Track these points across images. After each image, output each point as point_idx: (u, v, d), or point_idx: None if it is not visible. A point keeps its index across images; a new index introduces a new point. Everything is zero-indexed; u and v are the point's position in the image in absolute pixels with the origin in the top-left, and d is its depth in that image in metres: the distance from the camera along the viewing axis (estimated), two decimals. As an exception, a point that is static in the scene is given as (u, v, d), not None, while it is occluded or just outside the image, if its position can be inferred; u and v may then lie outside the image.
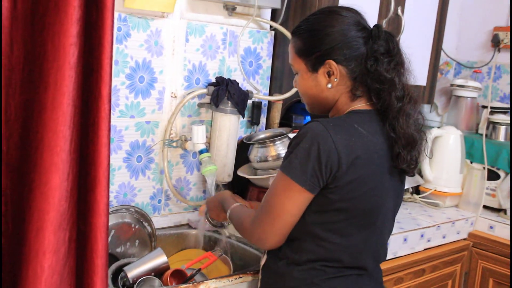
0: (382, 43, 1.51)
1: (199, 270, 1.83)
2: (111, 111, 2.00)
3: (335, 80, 1.53)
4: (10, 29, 1.22)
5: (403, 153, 1.50)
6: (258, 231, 1.52)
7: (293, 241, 1.53)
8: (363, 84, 1.53)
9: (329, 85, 1.54)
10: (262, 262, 1.65)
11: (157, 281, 1.82)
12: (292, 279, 1.52)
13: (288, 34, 2.31)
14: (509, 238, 2.63)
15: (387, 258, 2.28)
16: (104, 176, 1.28)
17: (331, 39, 1.51)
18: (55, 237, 1.24)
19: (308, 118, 2.53)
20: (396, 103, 1.50)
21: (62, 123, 1.20)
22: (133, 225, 2.02)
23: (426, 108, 3.22)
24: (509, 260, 2.61)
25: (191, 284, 1.67)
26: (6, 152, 1.26)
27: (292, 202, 1.45)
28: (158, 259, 1.84)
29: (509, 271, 2.60)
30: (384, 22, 2.48)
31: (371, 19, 2.42)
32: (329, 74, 1.53)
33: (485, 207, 2.82)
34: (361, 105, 1.55)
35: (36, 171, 1.23)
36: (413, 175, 1.67)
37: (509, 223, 2.67)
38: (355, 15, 1.56)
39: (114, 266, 1.85)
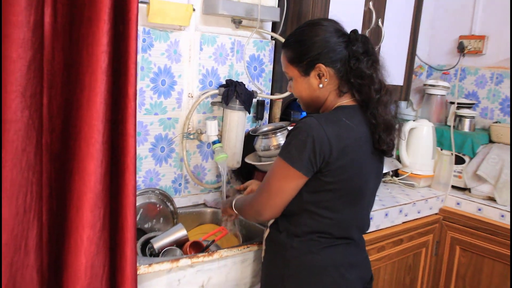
0: (360, 45, 1.51)
1: (213, 241, 1.84)
2: (138, 109, 2.02)
3: (325, 80, 1.52)
4: (52, 40, 1.22)
5: (383, 136, 1.52)
6: (257, 204, 1.55)
7: (292, 216, 1.54)
8: (347, 82, 1.53)
9: (321, 85, 1.53)
10: (265, 234, 1.66)
11: (178, 251, 1.82)
12: (292, 248, 1.53)
13: (286, 43, 2.30)
14: (474, 213, 2.63)
15: (372, 230, 2.32)
16: (132, 162, 1.28)
17: (318, 46, 1.51)
18: (92, 214, 1.24)
19: (304, 113, 2.52)
20: (375, 94, 1.51)
21: (96, 118, 1.20)
22: (158, 205, 2.02)
23: (403, 104, 3.22)
24: (473, 230, 2.61)
25: (206, 253, 1.67)
26: (50, 144, 1.26)
27: (289, 183, 1.47)
28: (179, 232, 1.84)
29: (474, 239, 2.61)
30: (367, 32, 2.46)
31: (356, 30, 2.43)
32: (320, 76, 1.53)
33: (453, 187, 2.81)
34: (346, 101, 1.55)
35: (75, 159, 1.23)
36: (392, 156, 1.68)
37: (473, 200, 2.66)
38: (334, 24, 1.56)
39: (142, 238, 1.85)
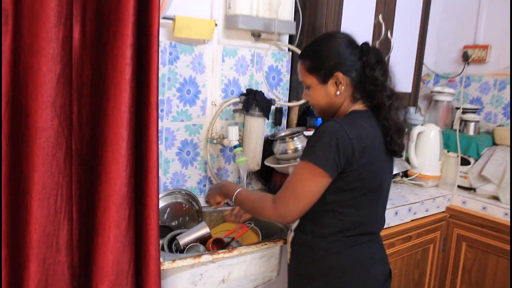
0: (372, 56, 1.48)
1: (233, 238, 1.79)
2: (166, 116, 1.99)
3: (342, 88, 1.48)
4: (81, 54, 1.20)
5: (394, 138, 1.48)
6: (282, 208, 1.43)
7: (316, 218, 1.48)
8: (360, 89, 1.50)
9: (338, 93, 1.49)
10: (290, 238, 1.59)
11: (201, 247, 1.78)
12: (319, 249, 1.48)
13: (302, 54, 2.25)
14: (479, 211, 2.54)
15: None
16: (154, 167, 1.24)
17: (335, 56, 1.48)
18: (118, 215, 1.22)
19: (320, 120, 2.47)
20: (387, 100, 1.47)
21: (121, 126, 1.17)
22: (184, 204, 1.98)
23: (412, 110, 3.13)
24: (478, 227, 2.52)
25: (227, 250, 1.63)
26: (80, 149, 1.24)
27: (316, 184, 1.40)
28: (203, 230, 1.80)
29: (479, 236, 2.52)
30: (377, 43, 2.40)
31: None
32: (337, 84, 1.49)
33: (459, 186, 2.72)
34: (359, 106, 1.51)
35: (102, 164, 1.21)
36: (401, 157, 1.63)
37: (478, 199, 2.57)
38: (348, 36, 1.53)
39: (169, 235, 1.81)
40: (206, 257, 1.57)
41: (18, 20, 1.05)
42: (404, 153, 2.85)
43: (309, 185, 1.40)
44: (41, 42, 1.03)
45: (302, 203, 1.41)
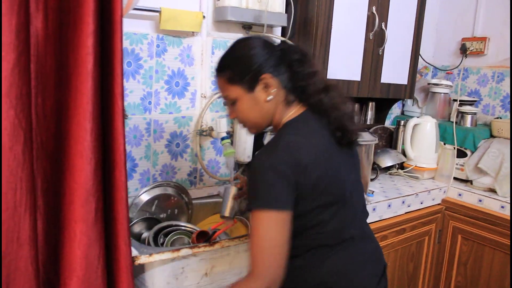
0: (294, 51, 1.29)
1: (215, 232, 1.68)
2: (154, 109, 1.91)
3: (273, 90, 1.27)
4: (45, 44, 1.11)
5: (348, 127, 1.28)
6: (263, 276, 1.14)
7: None
8: (292, 89, 1.29)
9: (269, 98, 1.27)
10: None
11: (186, 239, 1.70)
12: (295, 268, 1.26)
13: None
14: (475, 204, 2.42)
15: (375, 220, 2.15)
16: (121, 159, 1.16)
17: (257, 58, 1.26)
18: (84, 209, 1.14)
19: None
20: (324, 96, 1.28)
21: (84, 118, 1.09)
22: (173, 196, 1.90)
23: (409, 102, 3.01)
24: (474, 220, 2.40)
25: (208, 243, 1.54)
26: (46, 141, 1.15)
27: (280, 229, 1.15)
28: (232, 191, 1.59)
29: (475, 229, 2.40)
30: (370, 35, 2.28)
31: (360, 33, 2.25)
32: (267, 87, 1.27)
33: (455, 178, 2.60)
34: (294, 110, 1.30)
35: (66, 157, 1.12)
36: (358, 144, 1.40)
37: (474, 192, 2.45)
38: (263, 38, 1.32)
39: (156, 227, 1.73)
40: (185, 251, 1.48)
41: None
42: (400, 145, 2.73)
43: (274, 236, 1.15)
44: (-9, 31, 0.94)
45: (278, 256, 1.16)
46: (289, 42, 1.31)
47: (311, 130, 1.25)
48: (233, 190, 1.58)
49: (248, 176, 1.20)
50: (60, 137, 1.13)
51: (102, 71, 1.11)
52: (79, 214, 1.13)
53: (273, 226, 1.14)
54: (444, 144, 2.65)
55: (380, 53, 2.36)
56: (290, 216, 1.17)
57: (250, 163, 1.19)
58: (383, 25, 2.32)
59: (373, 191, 2.26)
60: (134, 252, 1.40)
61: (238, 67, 1.28)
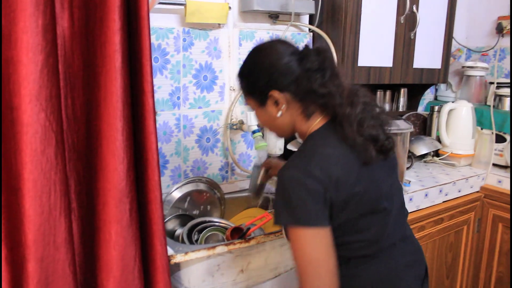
0: (313, 59, 1.17)
1: (249, 228, 1.65)
2: (182, 104, 1.88)
3: (283, 107, 1.20)
4: (71, 44, 1.09)
5: (380, 137, 1.18)
6: None
7: None
8: (311, 101, 1.19)
9: (279, 114, 1.21)
10: None
11: (220, 236, 1.68)
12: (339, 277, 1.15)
13: (323, 34, 2.08)
14: (516, 189, 2.32)
15: (412, 210, 2.08)
16: (153, 158, 1.13)
17: (266, 73, 1.19)
18: (118, 209, 1.12)
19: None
20: (344, 105, 1.16)
21: (114, 117, 1.06)
22: (205, 192, 1.87)
23: (442, 86, 2.92)
24: (516, 207, 2.31)
25: (243, 240, 1.51)
26: (77, 143, 1.14)
27: (323, 245, 1.10)
28: (260, 173, 1.70)
29: (517, 216, 2.31)
30: (401, 18, 2.20)
31: (390, 17, 2.18)
32: (277, 103, 1.21)
33: (494, 165, 2.50)
34: (316, 122, 1.21)
35: (98, 157, 1.10)
36: (394, 153, 1.29)
37: (515, 177, 2.35)
38: (283, 44, 1.23)
39: (189, 224, 1.71)
40: (221, 248, 1.46)
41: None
42: (434, 131, 2.64)
43: (318, 251, 1.09)
44: (18, 32, 0.92)
45: (324, 271, 1.10)
46: (309, 46, 1.21)
47: (337, 143, 1.16)
48: (262, 171, 1.66)
49: (276, 189, 1.13)
50: (91, 138, 1.12)
51: (131, 69, 1.08)
52: (113, 215, 1.11)
53: (314, 243, 1.09)
54: (481, 129, 2.55)
55: (412, 37, 2.27)
56: (329, 230, 1.11)
57: (278, 174, 1.13)
58: (414, 8, 2.24)
59: (410, 181, 2.19)
60: (170, 251, 1.38)
61: (250, 80, 1.24)
